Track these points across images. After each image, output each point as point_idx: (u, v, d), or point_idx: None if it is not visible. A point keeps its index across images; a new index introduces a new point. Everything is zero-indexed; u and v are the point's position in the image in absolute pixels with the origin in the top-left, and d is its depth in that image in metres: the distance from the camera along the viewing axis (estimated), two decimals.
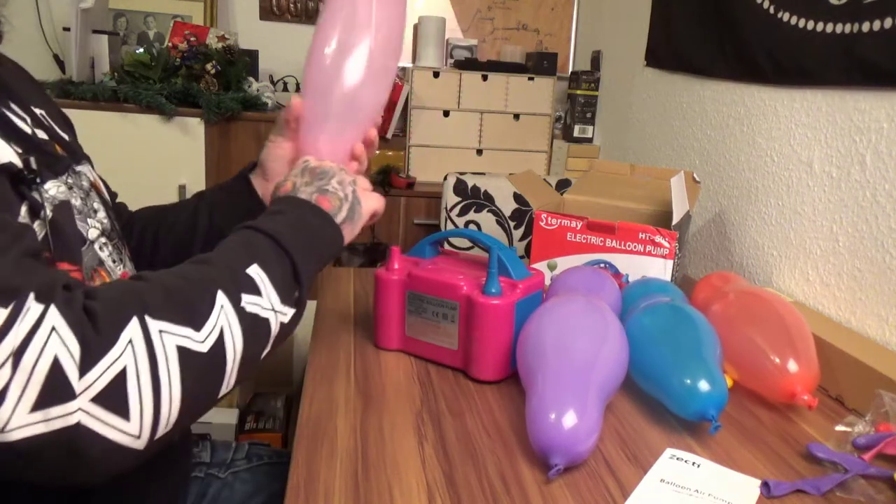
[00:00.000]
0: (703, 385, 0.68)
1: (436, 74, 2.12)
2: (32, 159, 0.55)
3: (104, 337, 0.44)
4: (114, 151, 1.71)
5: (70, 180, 0.63)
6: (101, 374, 0.43)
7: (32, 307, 0.42)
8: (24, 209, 0.53)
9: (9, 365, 0.40)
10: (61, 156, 0.63)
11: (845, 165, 1.04)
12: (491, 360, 0.79)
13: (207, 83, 1.83)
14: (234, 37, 2.01)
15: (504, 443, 0.68)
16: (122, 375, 0.44)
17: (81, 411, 0.42)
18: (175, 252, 0.82)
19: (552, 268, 1.08)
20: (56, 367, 0.41)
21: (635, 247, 1.01)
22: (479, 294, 0.78)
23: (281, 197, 0.66)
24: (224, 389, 0.52)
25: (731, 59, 1.34)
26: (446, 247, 1.66)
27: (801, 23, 1.12)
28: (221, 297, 0.51)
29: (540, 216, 1.08)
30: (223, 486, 0.87)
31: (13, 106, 0.59)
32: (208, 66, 1.83)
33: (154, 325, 0.46)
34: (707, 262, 1.42)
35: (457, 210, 1.72)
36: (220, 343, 0.50)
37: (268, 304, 0.54)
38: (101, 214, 0.67)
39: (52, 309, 0.42)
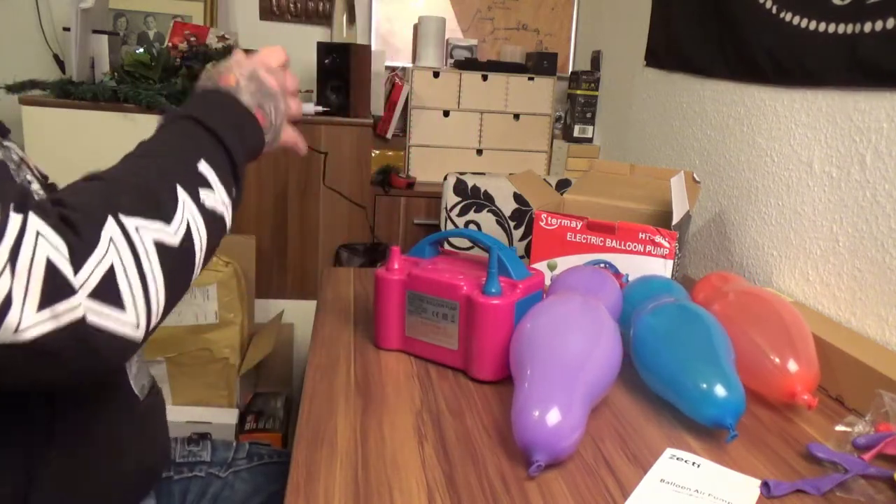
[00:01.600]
0: (720, 390, 0.68)
1: (436, 74, 2.12)
2: None
3: (86, 238, 0.46)
4: (114, 151, 1.71)
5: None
6: (93, 271, 0.46)
7: (12, 216, 0.44)
8: None
9: (7, 272, 0.42)
10: None
11: (845, 165, 1.04)
12: (491, 360, 0.79)
13: None
14: (234, 37, 2.01)
15: (504, 443, 0.68)
16: (111, 271, 0.46)
17: (84, 306, 0.45)
18: None
19: (552, 268, 1.08)
20: (51, 266, 0.44)
21: (635, 247, 1.01)
22: (479, 294, 0.78)
23: (222, 89, 0.67)
24: (194, 277, 0.56)
25: (732, 59, 1.34)
26: (446, 247, 1.66)
27: (804, 23, 1.12)
28: (182, 193, 0.54)
29: (540, 216, 1.08)
30: (224, 486, 0.87)
31: None
32: (208, 67, 1.83)
33: (130, 222, 0.49)
34: (707, 262, 1.42)
35: (457, 210, 1.72)
36: (188, 236, 0.53)
37: (219, 198, 0.58)
38: (35, 186, 0.68)
39: (32, 216, 0.45)
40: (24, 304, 0.43)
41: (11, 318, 0.42)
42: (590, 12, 2.34)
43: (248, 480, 0.89)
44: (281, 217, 1.96)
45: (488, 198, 1.73)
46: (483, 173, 2.04)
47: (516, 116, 2.19)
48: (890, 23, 0.95)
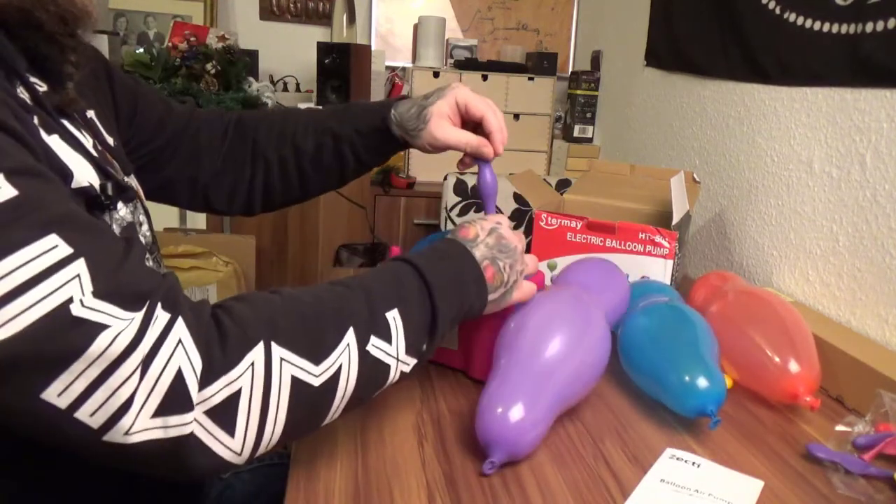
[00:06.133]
0: (702, 381, 0.68)
1: (436, 74, 2.12)
2: (110, 185, 0.56)
3: (229, 357, 0.46)
4: None
5: (130, 205, 0.62)
6: (219, 390, 0.45)
7: (160, 315, 0.44)
8: None
9: (137, 375, 0.42)
10: (127, 185, 0.62)
11: (845, 165, 1.04)
12: (490, 359, 0.79)
13: (207, 83, 1.83)
14: (234, 37, 2.02)
15: None
16: (236, 395, 0.46)
17: (196, 422, 0.44)
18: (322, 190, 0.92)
19: (552, 268, 1.08)
20: (179, 378, 0.43)
21: (635, 247, 1.01)
22: None
23: (457, 240, 0.65)
24: (326, 421, 0.53)
25: (734, 59, 1.34)
26: None
27: (808, 23, 1.12)
28: (350, 336, 0.52)
29: (540, 216, 1.08)
30: (225, 487, 0.87)
31: (77, 119, 0.58)
32: (208, 66, 1.83)
33: (277, 351, 0.48)
34: (707, 262, 1.42)
35: (457, 210, 1.72)
36: (333, 380, 0.51)
37: (394, 351, 0.55)
38: (145, 228, 0.66)
39: (179, 321, 0.44)
40: (141, 408, 0.43)
41: (125, 421, 0.42)
42: (590, 12, 2.34)
43: (248, 482, 0.88)
44: (281, 217, 1.96)
45: None
46: None
47: (516, 116, 2.19)
48: (891, 23, 0.94)
